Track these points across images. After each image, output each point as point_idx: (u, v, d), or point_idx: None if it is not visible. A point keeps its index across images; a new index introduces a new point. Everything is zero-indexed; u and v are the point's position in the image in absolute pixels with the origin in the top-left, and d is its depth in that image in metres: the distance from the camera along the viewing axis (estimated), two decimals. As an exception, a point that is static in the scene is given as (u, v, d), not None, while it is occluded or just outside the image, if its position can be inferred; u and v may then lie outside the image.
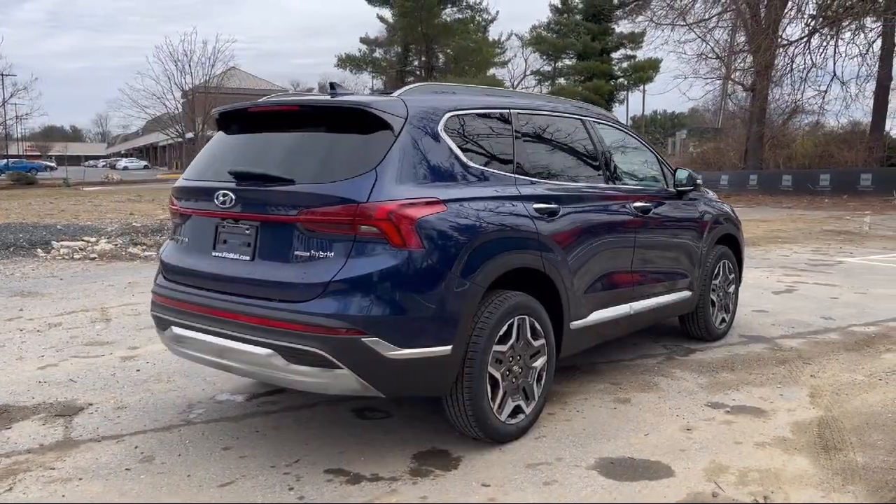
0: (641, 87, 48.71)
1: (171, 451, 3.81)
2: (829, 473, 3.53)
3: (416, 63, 56.31)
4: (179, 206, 4.02)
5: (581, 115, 4.93)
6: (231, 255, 3.68)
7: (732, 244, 6.28)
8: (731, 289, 6.32)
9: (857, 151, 29.76)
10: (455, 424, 3.79)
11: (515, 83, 60.20)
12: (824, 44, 26.53)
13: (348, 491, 3.36)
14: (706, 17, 32.35)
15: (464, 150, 3.82)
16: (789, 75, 28.03)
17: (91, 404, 4.55)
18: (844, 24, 25.78)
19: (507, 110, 4.27)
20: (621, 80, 48.32)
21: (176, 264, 3.98)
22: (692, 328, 5.96)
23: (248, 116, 4.02)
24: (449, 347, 3.49)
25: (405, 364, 3.37)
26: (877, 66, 27.67)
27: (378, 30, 56.36)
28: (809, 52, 26.74)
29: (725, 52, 32.58)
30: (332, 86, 4.03)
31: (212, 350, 3.71)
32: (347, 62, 54.72)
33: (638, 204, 4.99)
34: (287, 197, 3.48)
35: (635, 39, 47.37)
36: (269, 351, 3.41)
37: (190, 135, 53.99)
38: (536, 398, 4.04)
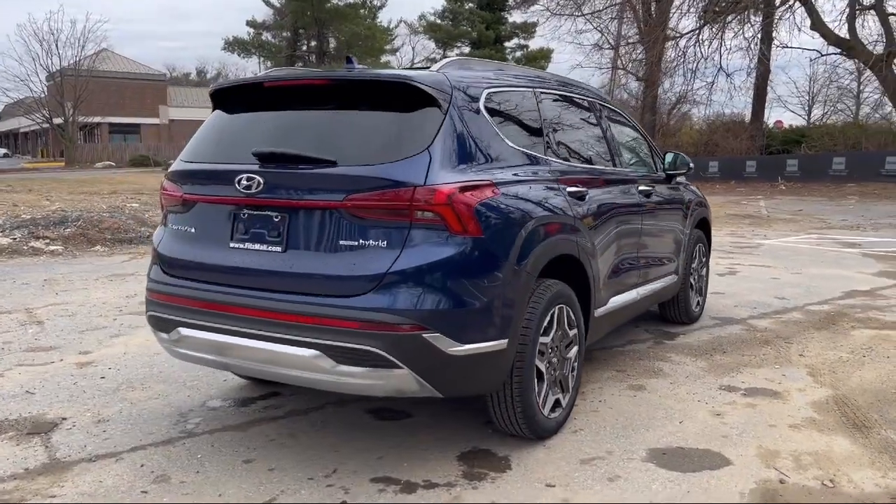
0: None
1: (185, 468, 3.38)
2: (875, 452, 3.55)
3: (304, 48, 54.83)
4: (182, 192, 3.55)
5: (587, 96, 4.78)
6: (255, 246, 3.28)
7: (705, 228, 6.35)
8: (704, 272, 6.40)
9: (741, 140, 31.44)
10: (499, 422, 3.57)
11: (407, 69, 59.58)
12: (711, 37, 27.78)
13: (407, 500, 3.08)
14: (601, 8, 33.21)
15: (502, 130, 3.58)
16: (681, 67, 29.16)
17: (64, 418, 4.01)
18: (730, 18, 27.06)
19: (533, 89, 4.05)
20: (515, 69, 48.77)
21: (180, 257, 3.53)
22: (672, 313, 5.97)
23: (262, 93, 3.60)
24: (505, 341, 3.26)
25: (465, 360, 3.12)
26: (756, 58, 29.26)
27: (265, 14, 54.51)
28: (699, 45, 27.94)
29: (620, 44, 33.58)
30: (349, 59, 3.69)
31: (234, 353, 3.32)
32: (235, 45, 52.58)
33: (642, 188, 4.91)
34: (329, 180, 3.13)
35: (528, 29, 48.05)
36: (314, 352, 3.06)
37: (59, 120, 50.39)
38: (570, 390, 3.88)
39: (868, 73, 28.52)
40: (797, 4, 26.07)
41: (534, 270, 3.42)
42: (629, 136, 5.32)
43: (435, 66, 3.47)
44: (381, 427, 3.89)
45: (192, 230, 3.52)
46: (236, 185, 3.26)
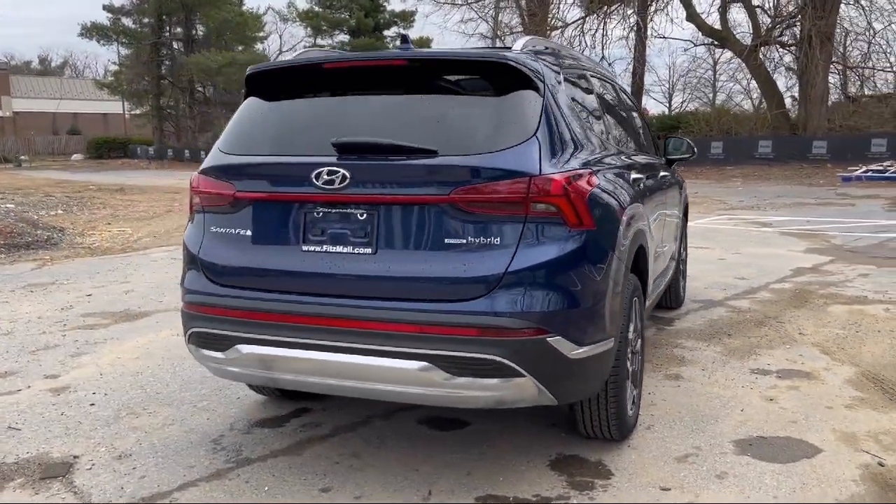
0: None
1: (258, 504, 2.97)
2: (940, 426, 3.64)
3: (167, 34, 51.92)
4: (234, 190, 3.09)
5: (613, 79, 4.64)
6: (336, 249, 2.90)
7: (686, 214, 6.40)
8: (685, 255, 6.45)
9: (622, 126, 32.59)
10: (587, 426, 3.37)
11: (276, 58, 58.16)
12: (595, 28, 28.59)
13: (529, 520, 2.82)
14: (484, -3, 33.40)
15: (580, 115, 3.36)
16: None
17: (76, 456, 3.45)
18: (612, 8, 27.96)
19: (587, 72, 3.85)
20: (395, 58, 48.32)
21: (234, 264, 3.08)
22: (666, 298, 5.97)
23: (319, 76, 3.19)
24: (612, 340, 3.06)
25: (583, 364, 2.89)
26: (635, 48, 30.42)
27: (122, -3, 51.04)
28: (584, 35, 28.69)
29: (505, 33, 33.94)
30: (405, 39, 3.36)
31: (313, 369, 2.93)
32: (94, 31, 49.01)
33: (662, 174, 4.84)
34: (431, 172, 2.80)
35: (407, 18, 47.71)
36: (424, 364, 2.74)
37: None
38: (639, 385, 3.74)
39: (725, 62, 30.36)
40: (673, -4, 27.27)
41: (628, 263, 3.24)
42: (640, 121, 5.23)
43: (517, 45, 3.19)
44: (445, 438, 3.60)
45: (248, 232, 3.07)
46: (314, 181, 2.86)
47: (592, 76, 3.97)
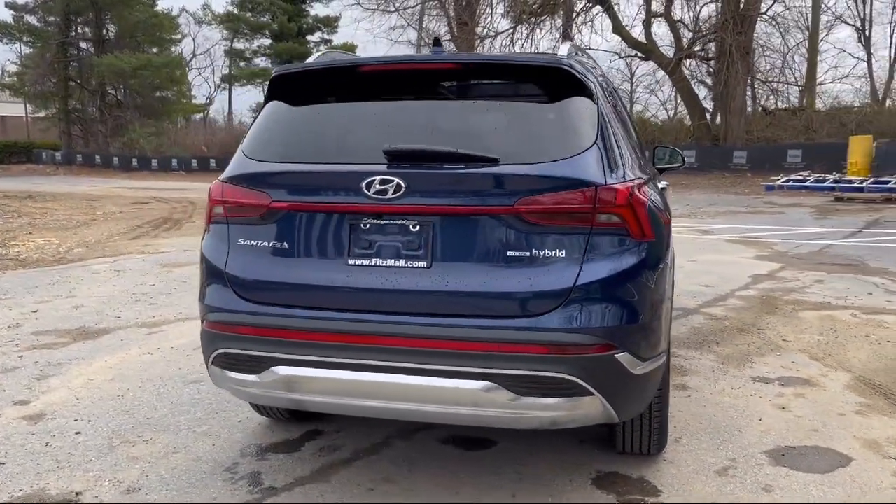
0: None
1: (301, 539, 2.75)
2: (951, 431, 3.73)
3: (75, 34, 49.63)
4: (269, 200, 2.86)
5: (617, 89, 4.60)
6: (387, 262, 2.72)
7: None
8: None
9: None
10: (625, 441, 3.29)
11: (188, 61, 56.58)
12: (524, 37, 28.98)
13: (594, 544, 2.71)
14: (410, 4, 33.38)
15: (618, 125, 3.29)
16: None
17: (78, 493, 3.14)
18: (540, 19, 28.42)
19: (604, 77, 3.78)
20: (320, 63, 47.68)
21: (270, 279, 2.85)
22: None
23: (353, 79, 3.01)
24: (665, 354, 3.00)
25: (644, 379, 2.81)
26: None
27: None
28: (513, 45, 29.00)
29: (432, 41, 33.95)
30: (437, 41, 3.21)
31: (362, 391, 2.74)
32: (-5, 29, 46.44)
33: (662, 184, 4.83)
34: (494, 181, 2.66)
35: (331, 23, 47.26)
36: (487, 384, 2.59)
37: None
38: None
39: (643, 75, 31.29)
40: (598, 9, 27.92)
41: (671, 275, 3.18)
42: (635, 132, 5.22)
43: (563, 51, 3.08)
44: (474, 459, 3.45)
45: (284, 245, 2.85)
46: (364, 190, 2.68)
47: (613, 87, 3.92)
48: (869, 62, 36.02)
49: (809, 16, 29.31)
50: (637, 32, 28.31)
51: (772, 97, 28.31)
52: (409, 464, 3.38)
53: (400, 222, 2.72)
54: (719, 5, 26.54)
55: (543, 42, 28.86)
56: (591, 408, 2.67)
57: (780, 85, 28.33)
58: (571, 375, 2.58)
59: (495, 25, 29.89)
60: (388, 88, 3.00)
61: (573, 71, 2.83)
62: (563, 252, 2.64)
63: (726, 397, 4.23)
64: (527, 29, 29.04)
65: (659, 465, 3.35)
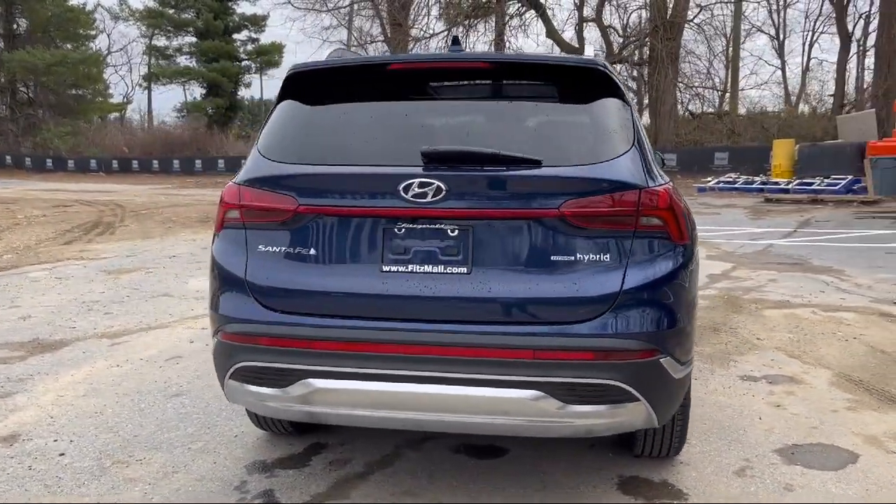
0: (268, 72, 47.87)
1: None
2: (940, 424, 3.87)
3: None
4: (296, 204, 2.70)
5: None
6: (424, 268, 2.61)
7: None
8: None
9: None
10: (646, 445, 3.27)
11: (104, 58, 54.60)
12: (460, 37, 29.04)
13: (638, 552, 2.68)
14: (342, 4, 33.07)
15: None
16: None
17: (79, 521, 2.90)
18: (475, 21, 28.56)
19: None
20: (246, 62, 46.81)
21: (296, 287, 2.70)
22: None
23: (384, 77, 2.88)
24: (693, 357, 2.98)
25: (681, 384, 2.80)
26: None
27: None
28: (447, 47, 28.99)
29: (367, 42, 33.71)
30: (455, 41, 3.14)
31: (402, 403, 2.63)
32: None
33: None
34: (539, 184, 2.59)
35: (258, 22, 46.29)
36: (534, 393, 2.52)
37: None
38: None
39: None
40: (531, 13, 28.29)
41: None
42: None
43: (589, 53, 3.04)
44: (492, 468, 3.38)
45: (312, 251, 2.71)
46: (402, 193, 2.57)
47: None
48: (783, 69, 37.77)
49: (730, 24, 30.47)
50: (569, 37, 28.81)
51: (697, 101, 29.27)
52: (428, 476, 3.28)
53: (438, 226, 2.62)
54: (647, 12, 27.27)
55: (478, 45, 29.02)
56: (633, 414, 2.63)
57: (705, 90, 29.33)
58: (620, 382, 2.54)
59: (431, 27, 29.88)
60: (418, 88, 2.89)
61: (608, 72, 2.80)
62: (608, 256, 2.59)
63: (721, 397, 4.29)
64: (461, 31, 29.12)
65: (678, 468, 3.35)
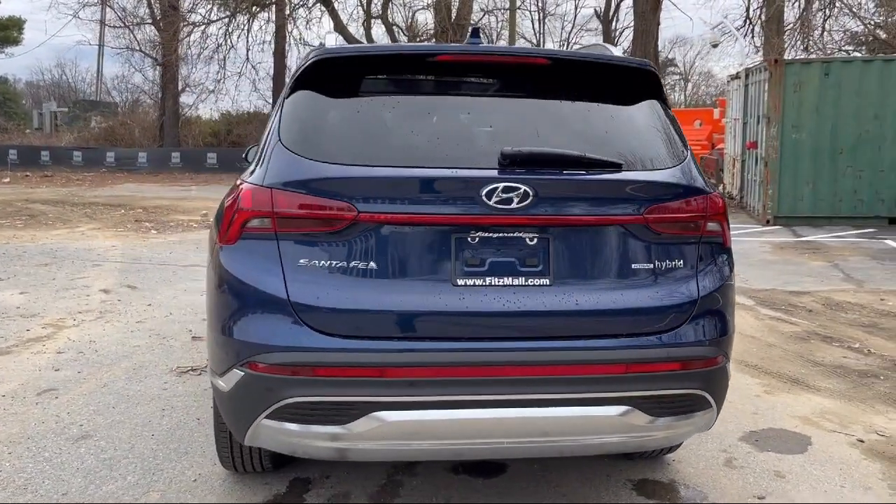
0: (5, 49, 41.85)
1: None
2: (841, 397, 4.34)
3: None
4: (355, 211, 2.32)
5: None
6: (502, 281, 2.40)
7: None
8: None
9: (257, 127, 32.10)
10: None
11: None
12: (240, 28, 27.61)
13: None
14: (104, -19, 30.00)
15: None
16: (211, 54, 28.19)
17: None
18: (257, 11, 27.30)
19: None
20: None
21: (360, 308, 2.32)
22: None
23: (431, 69, 2.60)
24: None
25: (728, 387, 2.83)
26: (274, 53, 30.11)
27: None
28: (228, 36, 27.51)
29: (134, 22, 30.83)
30: (475, 32, 2.93)
31: (482, 432, 2.40)
32: None
33: None
34: (622, 189, 2.48)
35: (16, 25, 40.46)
36: (625, 408, 2.42)
37: None
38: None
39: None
40: (318, 7, 27.69)
41: None
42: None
43: (616, 52, 2.96)
44: (502, 485, 3.22)
45: (372, 265, 2.35)
46: (484, 199, 2.33)
47: None
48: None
49: (507, 31, 32.17)
50: (360, 34, 28.62)
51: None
52: (444, 499, 3.02)
53: (515, 235, 2.41)
54: (432, 13, 27.89)
55: (260, 35, 27.86)
56: (704, 420, 2.63)
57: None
58: (700, 390, 2.52)
59: (208, 14, 28.04)
60: (469, 83, 2.64)
61: (656, 73, 2.75)
62: (682, 262, 2.56)
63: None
64: (246, 20, 27.76)
65: (673, 466, 3.42)
